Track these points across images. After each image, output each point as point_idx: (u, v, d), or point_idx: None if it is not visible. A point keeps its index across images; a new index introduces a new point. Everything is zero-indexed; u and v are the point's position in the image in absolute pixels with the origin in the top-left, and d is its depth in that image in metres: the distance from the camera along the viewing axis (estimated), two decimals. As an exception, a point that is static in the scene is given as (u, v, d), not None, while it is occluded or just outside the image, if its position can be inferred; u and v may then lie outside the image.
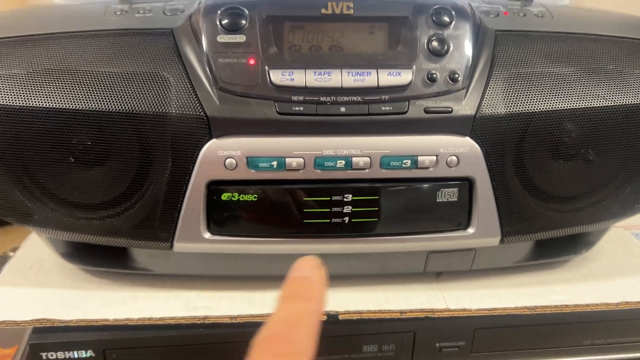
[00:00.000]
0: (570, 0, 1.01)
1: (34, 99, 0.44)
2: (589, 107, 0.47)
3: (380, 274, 0.55)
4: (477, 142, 0.46)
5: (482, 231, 0.49)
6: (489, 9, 0.51)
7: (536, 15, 0.52)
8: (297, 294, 0.29)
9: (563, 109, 0.46)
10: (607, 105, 0.47)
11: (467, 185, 0.48)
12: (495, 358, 0.53)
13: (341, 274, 0.53)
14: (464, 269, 0.55)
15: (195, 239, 0.48)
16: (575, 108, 0.46)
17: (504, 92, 0.46)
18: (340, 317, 0.50)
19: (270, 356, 0.26)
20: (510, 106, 0.46)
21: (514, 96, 0.46)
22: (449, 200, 0.48)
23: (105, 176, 0.46)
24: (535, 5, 0.54)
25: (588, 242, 0.58)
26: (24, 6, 1.02)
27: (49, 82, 0.44)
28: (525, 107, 0.46)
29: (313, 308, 0.28)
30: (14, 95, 0.44)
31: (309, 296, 0.29)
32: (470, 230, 0.49)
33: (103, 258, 0.53)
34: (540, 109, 0.46)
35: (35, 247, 0.60)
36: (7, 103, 0.44)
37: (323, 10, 0.46)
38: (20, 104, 0.44)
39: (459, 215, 0.49)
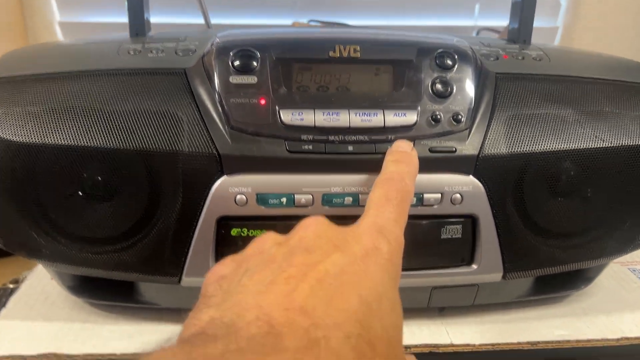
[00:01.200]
0: (560, 42, 1.05)
1: (49, 136, 0.44)
2: (586, 148, 0.48)
3: (384, 308, 0.55)
4: (480, 181, 0.47)
5: (485, 267, 0.50)
6: (488, 52, 0.53)
7: (534, 58, 0.53)
8: (400, 159, 0.42)
9: (561, 150, 0.47)
10: (603, 147, 0.48)
11: (470, 222, 0.49)
12: (499, 393, 0.53)
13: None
14: (467, 304, 0.55)
15: (204, 273, 0.47)
16: (573, 149, 0.48)
17: (505, 132, 0.47)
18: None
19: (390, 188, 0.38)
20: (511, 146, 0.47)
21: (514, 137, 0.47)
22: (453, 236, 0.49)
23: (115, 211, 0.46)
24: (532, 48, 0.56)
25: (587, 278, 0.58)
26: (29, 44, 1.03)
27: (63, 120, 0.44)
28: (526, 147, 0.47)
29: (412, 169, 0.41)
30: (29, 132, 0.44)
31: (409, 162, 0.42)
32: (474, 266, 0.50)
33: (109, 292, 0.53)
34: (539, 149, 0.47)
35: (40, 280, 0.60)
36: (22, 140, 0.44)
37: (331, 53, 0.47)
38: (35, 141, 0.44)
39: (463, 251, 0.50)
